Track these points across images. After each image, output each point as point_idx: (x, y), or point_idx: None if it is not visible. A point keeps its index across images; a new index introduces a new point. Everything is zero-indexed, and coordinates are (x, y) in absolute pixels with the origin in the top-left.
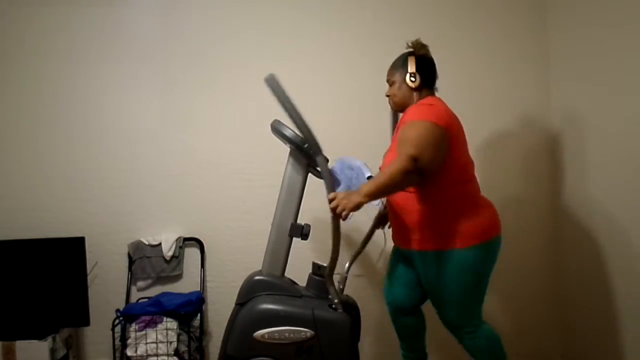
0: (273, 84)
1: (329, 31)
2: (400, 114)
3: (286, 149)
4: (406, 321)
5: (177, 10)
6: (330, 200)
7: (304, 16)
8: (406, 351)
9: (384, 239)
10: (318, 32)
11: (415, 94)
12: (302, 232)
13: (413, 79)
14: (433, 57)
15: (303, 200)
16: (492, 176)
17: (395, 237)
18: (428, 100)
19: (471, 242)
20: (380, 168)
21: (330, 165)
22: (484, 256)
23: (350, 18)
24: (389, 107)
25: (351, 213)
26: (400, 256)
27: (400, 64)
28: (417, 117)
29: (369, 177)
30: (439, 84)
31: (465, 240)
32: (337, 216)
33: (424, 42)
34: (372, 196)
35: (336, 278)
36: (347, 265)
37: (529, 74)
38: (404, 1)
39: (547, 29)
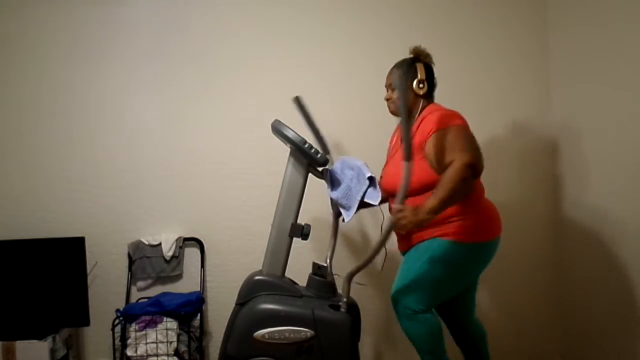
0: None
1: (329, 31)
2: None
3: (286, 149)
4: (452, 329)
5: (177, 10)
6: (397, 211)
7: (304, 16)
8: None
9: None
10: (318, 32)
11: (420, 100)
12: (303, 232)
13: (422, 85)
14: (432, 57)
15: (303, 200)
16: (491, 177)
17: (399, 242)
18: (438, 106)
19: (460, 238)
20: (381, 177)
21: (330, 165)
22: (469, 256)
23: (350, 18)
24: (387, 105)
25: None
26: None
27: (404, 69)
28: (448, 123)
29: (369, 178)
30: (438, 84)
31: (454, 234)
32: (398, 228)
33: (424, 42)
34: (437, 211)
35: (339, 280)
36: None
37: (529, 74)
38: (404, 1)
39: (548, 29)
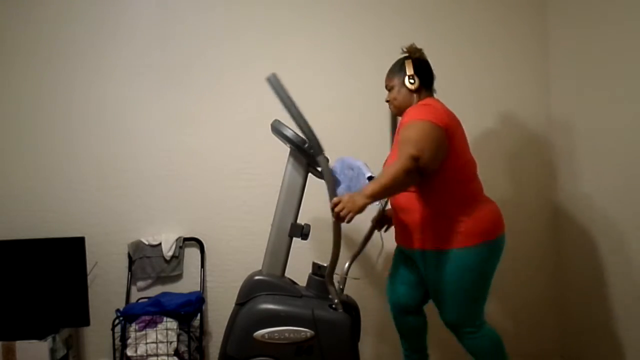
0: (275, 84)
1: (329, 31)
2: (399, 118)
3: (286, 149)
4: (408, 320)
5: (177, 10)
6: (335, 204)
7: (304, 16)
8: (408, 351)
9: (382, 241)
10: (318, 31)
11: (415, 95)
12: (302, 232)
13: (412, 81)
14: (433, 56)
15: (303, 200)
16: (490, 176)
17: (397, 237)
18: (426, 101)
19: (472, 242)
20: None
21: (330, 165)
22: (485, 256)
23: (350, 18)
24: (389, 106)
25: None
26: (403, 256)
27: (397, 68)
28: (416, 117)
29: (369, 177)
30: (438, 83)
31: (465, 240)
32: (341, 219)
33: (424, 41)
34: (376, 197)
35: (336, 278)
36: (346, 265)
37: (528, 73)
38: (404, 1)
39: (548, 28)
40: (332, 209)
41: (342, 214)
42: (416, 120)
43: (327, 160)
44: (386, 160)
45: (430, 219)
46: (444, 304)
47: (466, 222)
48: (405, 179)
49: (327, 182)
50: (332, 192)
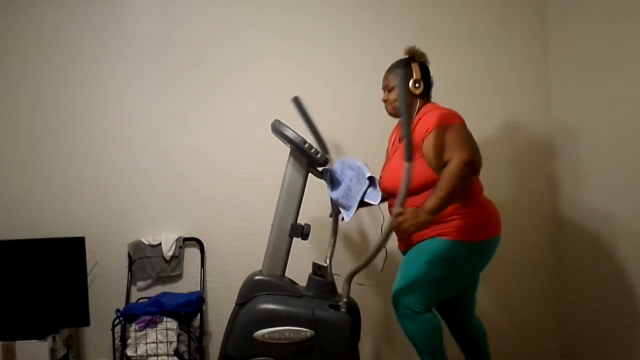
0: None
1: (329, 31)
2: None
3: (286, 149)
4: (453, 328)
5: (177, 10)
6: (398, 214)
7: (304, 15)
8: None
9: (385, 248)
10: (319, 31)
11: (417, 100)
12: (303, 232)
13: (417, 85)
14: (433, 56)
15: (303, 200)
16: (491, 177)
17: (399, 242)
18: (435, 105)
19: (459, 237)
20: (380, 177)
21: (330, 165)
22: (464, 255)
23: (351, 17)
24: (385, 107)
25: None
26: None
27: (401, 69)
28: (448, 121)
29: (369, 177)
30: (437, 83)
31: (453, 233)
32: (400, 231)
33: (424, 41)
34: (437, 212)
35: (336, 279)
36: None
37: (529, 74)
38: (404, 1)
39: (548, 28)
40: (395, 217)
41: (403, 226)
42: (449, 124)
43: (326, 160)
44: (386, 166)
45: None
46: (404, 279)
47: (458, 219)
48: (462, 187)
49: (402, 189)
50: (402, 200)
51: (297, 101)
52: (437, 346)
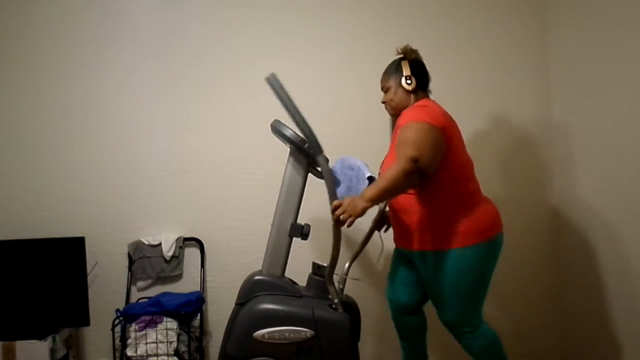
0: (274, 83)
1: (329, 31)
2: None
3: (286, 149)
4: (407, 320)
5: (177, 10)
6: (335, 207)
7: (304, 15)
8: (407, 351)
9: (381, 242)
10: (318, 31)
11: (412, 96)
12: (302, 232)
13: (409, 81)
14: (432, 56)
15: (303, 200)
16: (490, 176)
17: (396, 238)
18: (422, 102)
19: (470, 241)
20: (379, 172)
21: (330, 165)
22: (484, 255)
23: (351, 17)
24: (385, 108)
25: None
26: (401, 256)
27: (393, 69)
28: (413, 118)
29: (369, 177)
30: (437, 83)
31: (464, 240)
32: (341, 223)
33: (424, 41)
34: (376, 200)
35: (336, 279)
36: (346, 266)
37: (528, 73)
38: (404, 1)
39: (548, 28)
40: (333, 212)
41: (342, 217)
42: (414, 122)
43: (327, 160)
44: (383, 162)
45: (429, 220)
46: (443, 303)
47: (464, 222)
48: (405, 182)
49: (327, 183)
50: (332, 194)
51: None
52: (502, 354)
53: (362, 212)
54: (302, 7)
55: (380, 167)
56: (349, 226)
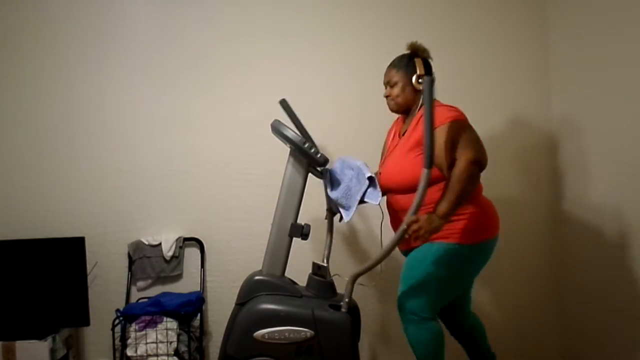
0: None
1: (329, 31)
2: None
3: (286, 149)
4: (450, 325)
5: (177, 10)
6: (412, 222)
7: (304, 15)
8: (468, 354)
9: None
10: (318, 31)
11: (421, 96)
12: (302, 232)
13: (421, 80)
14: (432, 56)
15: (303, 200)
16: (491, 175)
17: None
18: (438, 103)
19: (462, 240)
20: (379, 172)
21: (330, 165)
22: (465, 257)
23: (350, 17)
24: (387, 102)
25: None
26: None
27: (404, 64)
28: (453, 118)
29: (369, 178)
30: (437, 83)
31: (452, 236)
32: (416, 239)
33: (424, 40)
34: (450, 215)
35: (336, 279)
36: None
37: (528, 73)
38: (404, 1)
39: (548, 28)
40: (408, 226)
41: (419, 233)
42: (453, 122)
43: (327, 160)
44: (384, 161)
45: None
46: (405, 284)
47: (458, 220)
48: (472, 186)
49: (414, 203)
50: (416, 207)
51: (284, 104)
52: (438, 355)
53: (437, 230)
54: (302, 7)
55: (380, 167)
56: (421, 243)
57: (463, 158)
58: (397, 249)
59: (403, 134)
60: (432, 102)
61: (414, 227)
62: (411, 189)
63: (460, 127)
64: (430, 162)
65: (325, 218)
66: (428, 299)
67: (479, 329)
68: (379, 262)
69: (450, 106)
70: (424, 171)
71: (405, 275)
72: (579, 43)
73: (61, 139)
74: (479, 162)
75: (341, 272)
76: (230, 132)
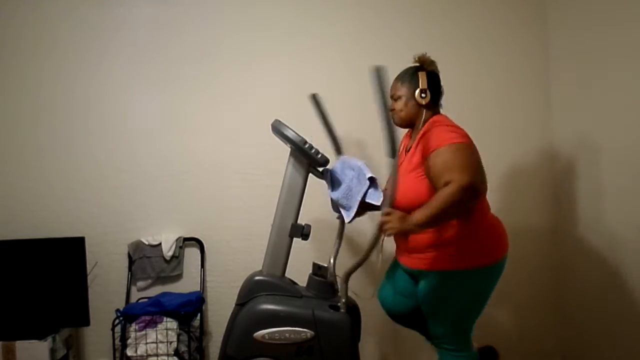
0: (380, 77)
1: (330, 31)
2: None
3: (286, 149)
4: (406, 321)
5: (177, 10)
6: (385, 214)
7: (304, 15)
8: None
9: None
10: (318, 31)
11: (424, 110)
12: (303, 232)
13: (424, 95)
14: (432, 56)
15: (304, 200)
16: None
17: (399, 254)
18: (441, 119)
19: (473, 264)
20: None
21: (331, 165)
22: (484, 278)
23: (350, 17)
24: (392, 116)
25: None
26: (401, 269)
27: (408, 78)
28: (451, 140)
29: (370, 178)
30: None
31: (467, 261)
32: (382, 231)
33: (424, 42)
34: (424, 226)
35: (337, 279)
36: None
37: (528, 74)
38: (404, 1)
39: (548, 29)
40: (382, 215)
41: (387, 226)
42: (453, 144)
43: (327, 160)
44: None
45: (433, 240)
46: (435, 320)
47: (468, 243)
48: (457, 210)
49: (391, 184)
50: (389, 200)
51: (314, 98)
52: None
53: (404, 232)
54: (302, 7)
55: (384, 191)
56: (387, 236)
57: (456, 181)
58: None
59: (408, 150)
60: (383, 93)
61: (386, 218)
62: (414, 208)
63: (458, 150)
64: (392, 152)
65: (338, 218)
66: (462, 328)
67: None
68: (365, 258)
69: (453, 127)
70: (390, 161)
71: (429, 309)
72: (579, 43)
73: (61, 138)
74: (472, 189)
75: (340, 272)
76: (231, 132)
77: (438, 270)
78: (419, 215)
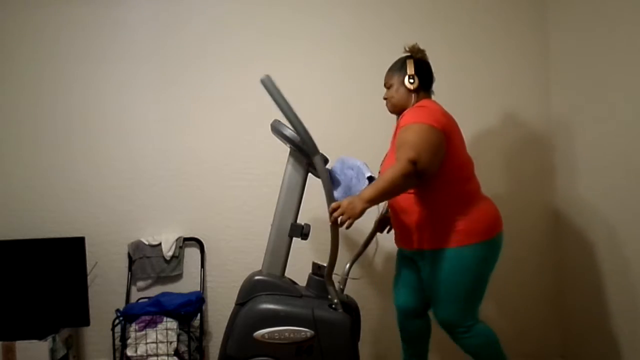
0: (269, 85)
1: (329, 30)
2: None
3: (286, 149)
4: (413, 324)
5: (177, 10)
6: (333, 209)
7: (303, 15)
8: (407, 355)
9: (376, 240)
10: (317, 31)
11: (413, 96)
12: (302, 232)
13: (412, 80)
14: (432, 56)
15: (303, 200)
16: (490, 175)
17: (397, 238)
18: (423, 102)
19: (470, 241)
20: (380, 171)
21: (330, 165)
22: (483, 255)
23: (350, 18)
24: (386, 104)
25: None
26: (404, 258)
27: (398, 67)
28: (414, 120)
29: (369, 177)
30: (438, 83)
31: (462, 239)
32: (340, 225)
33: (423, 40)
34: (374, 201)
35: (336, 279)
36: (347, 266)
37: (528, 73)
38: (404, 1)
39: (548, 28)
40: (331, 214)
41: (341, 219)
42: (413, 123)
43: (327, 160)
44: (384, 160)
45: (428, 219)
46: (439, 302)
47: (464, 221)
48: (403, 183)
49: (324, 183)
50: (330, 195)
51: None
52: (499, 351)
53: (361, 214)
54: (302, 7)
55: (381, 166)
56: (347, 228)
57: (403, 155)
58: (396, 246)
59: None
60: (278, 99)
61: (336, 213)
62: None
63: (414, 129)
64: (314, 150)
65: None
66: (465, 307)
67: (429, 331)
68: (334, 254)
69: (428, 109)
70: (316, 158)
71: (433, 292)
72: (579, 43)
73: (61, 139)
74: (415, 163)
75: (342, 272)
76: (230, 132)
77: (433, 249)
78: (369, 192)
